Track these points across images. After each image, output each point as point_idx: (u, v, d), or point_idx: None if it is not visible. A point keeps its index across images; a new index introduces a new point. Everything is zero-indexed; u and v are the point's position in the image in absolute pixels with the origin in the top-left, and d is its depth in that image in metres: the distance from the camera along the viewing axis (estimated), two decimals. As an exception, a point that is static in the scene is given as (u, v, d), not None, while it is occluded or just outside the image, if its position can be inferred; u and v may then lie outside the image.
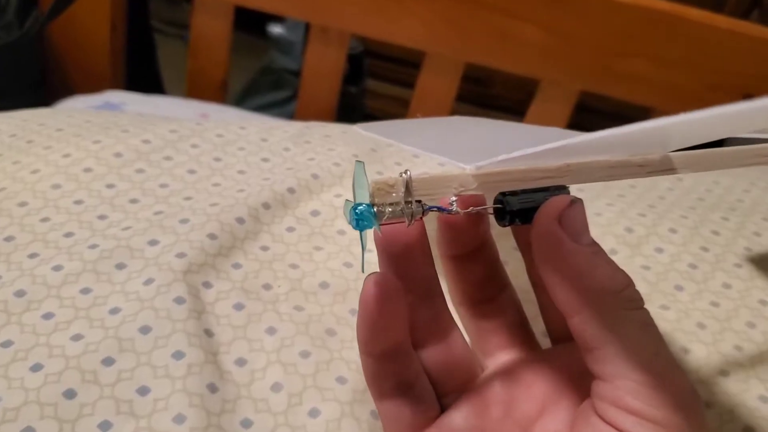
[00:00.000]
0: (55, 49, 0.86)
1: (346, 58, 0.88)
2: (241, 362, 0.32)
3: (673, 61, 0.77)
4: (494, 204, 0.26)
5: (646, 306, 0.24)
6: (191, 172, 0.42)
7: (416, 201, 0.24)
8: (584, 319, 0.23)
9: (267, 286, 0.36)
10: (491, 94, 1.34)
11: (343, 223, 0.41)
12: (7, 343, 0.30)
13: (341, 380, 0.32)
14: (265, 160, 0.44)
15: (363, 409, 0.32)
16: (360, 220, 0.23)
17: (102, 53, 0.86)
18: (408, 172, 0.23)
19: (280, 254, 0.38)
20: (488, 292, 0.30)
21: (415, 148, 0.44)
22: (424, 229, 0.27)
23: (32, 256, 0.34)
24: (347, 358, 0.33)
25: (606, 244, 0.43)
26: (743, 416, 0.35)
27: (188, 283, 0.34)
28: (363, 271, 0.25)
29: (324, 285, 0.37)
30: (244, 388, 0.31)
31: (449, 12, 0.78)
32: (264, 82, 1.30)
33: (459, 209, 0.25)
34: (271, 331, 0.33)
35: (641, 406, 0.22)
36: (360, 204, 0.23)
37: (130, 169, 0.42)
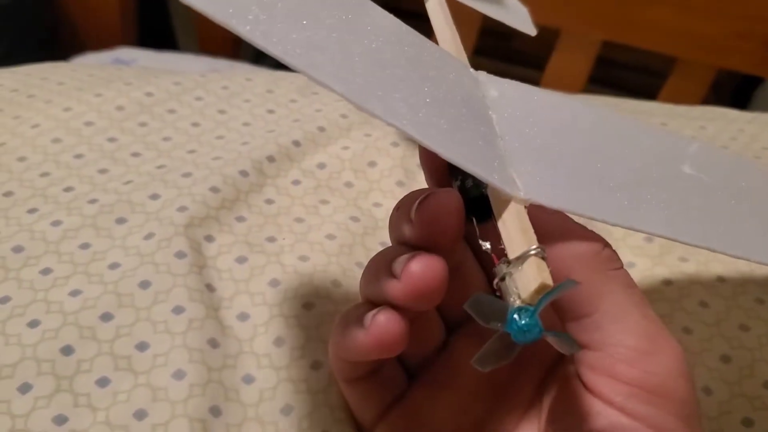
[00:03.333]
0: (66, 5, 0.85)
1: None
2: (243, 317, 0.31)
3: (697, 7, 0.74)
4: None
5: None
6: (195, 125, 0.41)
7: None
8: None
9: (271, 239, 0.35)
10: (512, 48, 1.32)
11: (350, 176, 0.39)
12: (5, 299, 0.29)
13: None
14: (270, 111, 0.43)
15: None
16: (526, 332, 0.18)
17: (112, 9, 0.84)
18: (540, 249, 0.19)
19: (285, 207, 0.37)
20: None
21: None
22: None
23: (31, 211, 0.34)
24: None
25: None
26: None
27: (189, 237, 0.33)
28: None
29: (330, 237, 0.36)
30: (246, 344, 0.30)
31: (465, -40, 0.76)
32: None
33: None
34: (274, 283, 0.32)
35: (636, 373, 0.21)
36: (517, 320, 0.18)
37: (132, 122, 0.41)
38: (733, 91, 1.30)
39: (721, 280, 0.37)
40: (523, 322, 0.17)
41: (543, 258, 0.18)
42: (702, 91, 0.80)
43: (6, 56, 0.77)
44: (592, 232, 0.22)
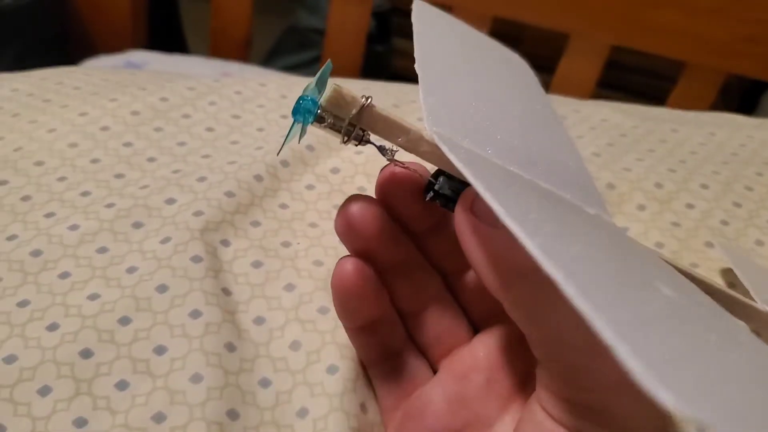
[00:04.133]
0: (77, 8, 0.86)
1: (373, 15, 0.86)
2: (259, 321, 0.31)
3: (706, 12, 0.74)
4: (431, 177, 0.25)
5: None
6: (209, 129, 0.42)
7: (360, 129, 0.23)
8: (511, 303, 0.22)
9: (286, 244, 0.35)
10: (521, 52, 1.31)
11: (363, 181, 0.40)
12: (24, 303, 0.30)
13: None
14: (284, 117, 0.44)
15: None
16: (298, 111, 0.23)
17: (124, 12, 0.85)
18: (369, 100, 0.23)
19: (299, 212, 0.37)
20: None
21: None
22: (385, 218, 0.26)
23: (49, 215, 0.34)
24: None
25: (634, 199, 0.41)
26: None
27: (205, 241, 0.33)
28: (277, 155, 0.28)
29: (344, 242, 0.36)
30: (263, 347, 0.30)
31: (475, -36, 0.76)
32: (290, 42, 1.28)
33: (395, 158, 0.25)
34: (289, 287, 0.33)
35: (570, 391, 0.21)
36: (308, 97, 0.23)
37: (147, 127, 0.41)
38: (741, 94, 1.30)
39: (708, 245, 0.39)
40: (301, 101, 0.22)
41: (367, 98, 0.23)
42: (711, 95, 0.80)
43: (19, 58, 0.77)
44: None
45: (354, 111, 0.22)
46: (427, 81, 0.25)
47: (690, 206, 0.42)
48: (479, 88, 0.28)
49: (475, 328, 0.29)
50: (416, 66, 0.25)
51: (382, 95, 0.48)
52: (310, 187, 0.39)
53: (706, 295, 0.23)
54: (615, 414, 0.21)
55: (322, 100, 0.22)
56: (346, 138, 0.23)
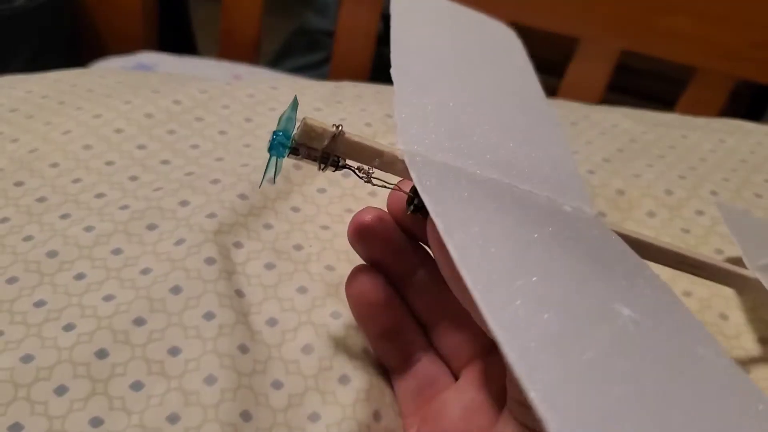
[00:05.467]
0: (88, 10, 0.86)
1: (382, 17, 0.86)
2: (272, 322, 0.31)
3: (716, 17, 0.74)
4: (410, 191, 0.26)
5: None
6: (222, 132, 0.42)
7: (334, 156, 0.24)
8: (472, 312, 0.23)
9: (298, 247, 0.35)
10: (530, 54, 1.31)
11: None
12: (40, 303, 0.30)
13: (367, 350, 0.32)
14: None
15: (387, 381, 0.32)
16: (272, 146, 0.24)
17: (134, 14, 0.85)
18: (340, 128, 0.23)
19: (311, 215, 0.37)
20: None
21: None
22: (395, 231, 0.27)
23: (64, 216, 0.34)
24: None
25: (644, 206, 0.42)
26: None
27: (219, 243, 0.34)
28: (260, 187, 0.30)
29: (355, 246, 0.36)
30: (275, 349, 0.31)
31: (485, -32, 0.76)
32: (298, 43, 1.28)
33: (372, 179, 0.25)
34: (302, 290, 0.33)
35: (521, 394, 0.21)
36: (280, 132, 0.24)
37: (161, 129, 0.41)
38: (750, 99, 1.29)
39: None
40: (275, 136, 0.24)
41: (338, 127, 0.24)
42: (720, 100, 0.80)
43: (31, 60, 0.78)
44: None
45: (326, 141, 0.24)
46: (402, 90, 0.26)
47: (700, 213, 0.42)
48: (460, 86, 0.29)
49: None
50: (392, 73, 0.26)
51: (391, 100, 0.48)
52: (321, 190, 0.39)
53: (677, 304, 0.23)
54: None
55: (294, 133, 0.23)
56: (322, 166, 0.24)
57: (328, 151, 0.24)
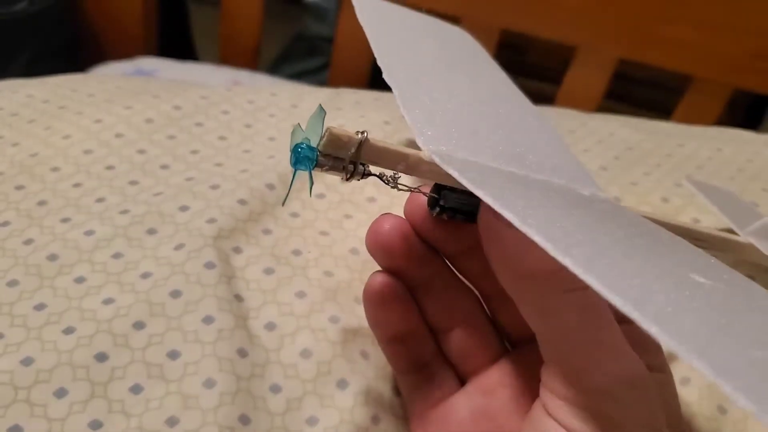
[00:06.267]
0: (88, 15, 0.87)
1: (380, 24, 0.86)
2: (270, 326, 0.32)
3: (714, 27, 0.74)
4: (431, 192, 0.26)
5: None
6: (222, 138, 0.42)
7: (360, 164, 0.23)
8: (524, 304, 0.23)
9: (296, 252, 0.35)
10: (527, 62, 1.32)
11: (373, 191, 0.40)
12: (40, 306, 0.30)
13: (365, 354, 0.32)
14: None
15: (386, 385, 0.32)
16: (298, 160, 0.23)
17: (134, 19, 0.86)
18: (365, 134, 0.23)
19: (309, 221, 0.37)
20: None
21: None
22: (414, 239, 0.27)
23: (64, 220, 0.35)
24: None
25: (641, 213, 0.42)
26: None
27: (218, 248, 0.34)
28: (282, 205, 0.30)
29: (354, 251, 0.36)
30: (274, 353, 0.31)
31: (484, -24, 0.77)
32: (297, 49, 1.29)
33: (398, 184, 0.25)
34: (300, 294, 0.33)
35: (571, 392, 0.22)
36: (304, 145, 0.23)
37: (161, 134, 0.42)
38: (747, 107, 1.30)
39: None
40: (299, 149, 0.22)
41: (363, 134, 0.23)
42: (717, 109, 0.80)
43: (31, 64, 0.78)
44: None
45: (353, 149, 0.23)
46: (403, 94, 0.26)
47: (696, 221, 0.42)
48: (450, 88, 0.29)
49: (513, 348, 0.30)
50: (385, 77, 0.26)
51: (390, 106, 0.48)
52: (320, 196, 0.39)
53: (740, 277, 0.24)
54: (612, 417, 0.21)
55: (320, 144, 0.22)
56: (348, 176, 0.23)
57: (354, 159, 0.23)
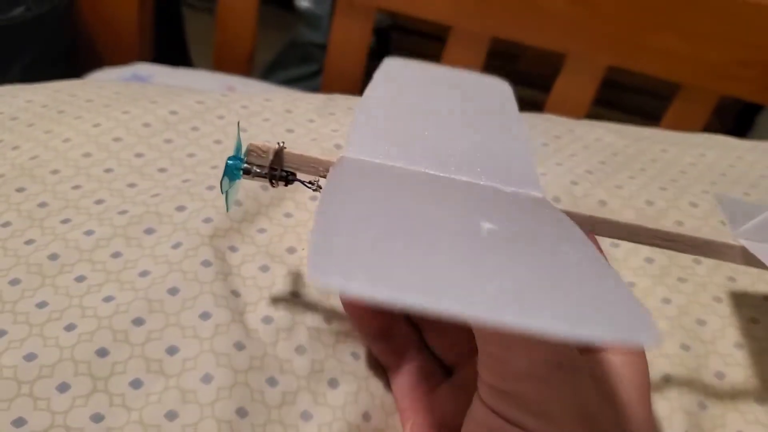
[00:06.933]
0: (84, 21, 0.88)
1: (374, 32, 0.88)
2: (267, 320, 0.33)
3: (704, 35, 0.76)
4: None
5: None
6: (217, 142, 0.43)
7: (282, 170, 0.27)
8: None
9: (291, 250, 0.36)
10: (517, 70, 1.34)
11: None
12: (42, 304, 0.31)
13: (355, 355, 0.33)
14: (289, 131, 0.45)
15: (377, 383, 0.33)
16: (226, 172, 0.28)
17: (130, 26, 0.87)
18: (282, 144, 0.27)
19: (303, 221, 0.38)
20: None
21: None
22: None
23: (65, 221, 0.36)
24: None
25: (626, 216, 0.43)
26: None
27: (214, 246, 0.35)
28: (227, 212, 0.34)
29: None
30: (270, 347, 0.32)
31: (475, -15, 0.78)
32: (291, 56, 1.30)
33: (320, 187, 0.28)
34: (296, 293, 0.34)
35: (494, 378, 0.23)
36: (232, 157, 0.28)
37: (158, 138, 0.42)
38: (737, 114, 1.32)
39: (717, 300, 0.39)
40: (229, 163, 0.28)
41: (277, 150, 0.27)
42: (705, 115, 0.82)
43: (27, 69, 0.79)
44: None
45: (271, 157, 0.27)
46: (360, 115, 0.28)
47: (679, 223, 0.43)
48: (417, 111, 0.30)
49: None
50: (355, 109, 0.29)
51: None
52: (314, 198, 0.40)
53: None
54: (530, 399, 0.22)
55: (243, 155, 0.28)
56: (273, 181, 0.27)
57: (275, 166, 0.27)
